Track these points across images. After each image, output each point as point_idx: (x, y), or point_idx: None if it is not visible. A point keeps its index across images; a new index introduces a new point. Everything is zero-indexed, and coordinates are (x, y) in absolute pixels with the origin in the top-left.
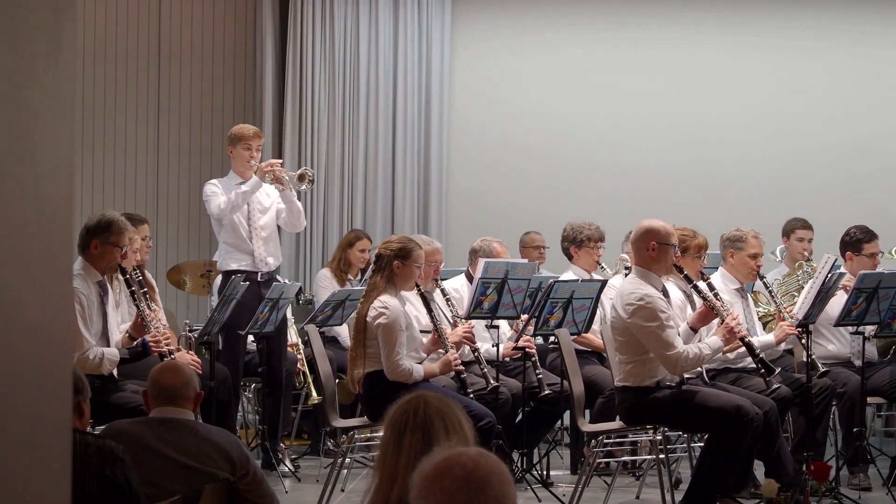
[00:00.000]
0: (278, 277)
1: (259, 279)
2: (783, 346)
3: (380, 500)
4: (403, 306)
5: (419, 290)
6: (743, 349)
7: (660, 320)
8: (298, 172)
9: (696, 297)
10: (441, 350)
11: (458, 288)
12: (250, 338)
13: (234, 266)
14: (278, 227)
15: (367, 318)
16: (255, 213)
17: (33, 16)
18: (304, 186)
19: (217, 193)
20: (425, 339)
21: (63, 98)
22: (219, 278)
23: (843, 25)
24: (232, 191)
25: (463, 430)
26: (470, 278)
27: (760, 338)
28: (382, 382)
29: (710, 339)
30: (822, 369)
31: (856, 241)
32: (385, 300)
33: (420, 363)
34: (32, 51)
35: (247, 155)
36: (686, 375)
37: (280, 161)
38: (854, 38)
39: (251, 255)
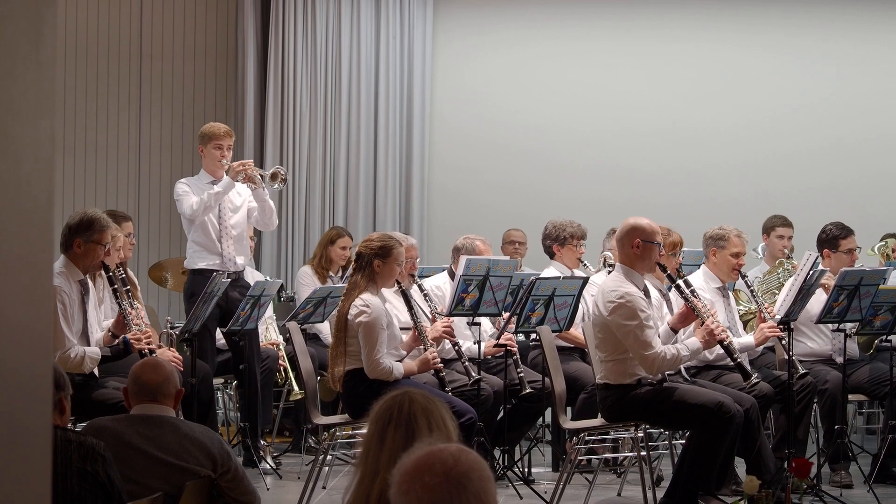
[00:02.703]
0: (250, 276)
1: (226, 278)
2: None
3: (361, 496)
4: (384, 304)
5: (400, 287)
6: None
7: (639, 319)
8: (271, 171)
9: (672, 296)
10: (421, 347)
11: (441, 285)
12: (220, 336)
13: (201, 265)
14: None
15: (349, 317)
16: (226, 212)
17: (13, 11)
18: (276, 185)
19: (189, 193)
20: (406, 336)
21: (43, 94)
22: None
23: (825, 30)
24: (203, 190)
25: (447, 428)
26: (452, 276)
27: (741, 339)
28: (363, 380)
29: (689, 340)
30: (801, 371)
31: (832, 238)
32: (366, 299)
33: (400, 361)
34: (12, 46)
35: (217, 154)
36: (667, 373)
37: (251, 161)
38: (835, 44)
39: (220, 255)
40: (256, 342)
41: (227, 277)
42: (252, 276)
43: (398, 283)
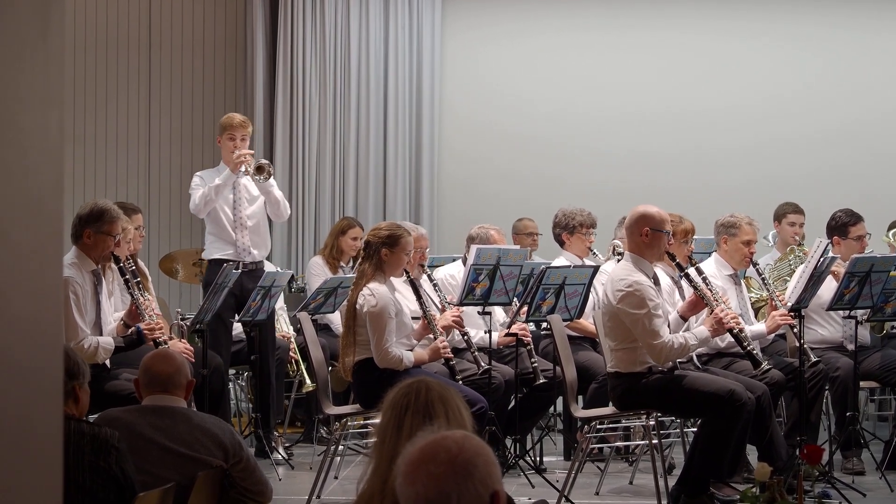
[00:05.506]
0: (266, 267)
1: (242, 269)
2: None
3: (378, 483)
4: (393, 293)
5: (408, 276)
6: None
7: (647, 308)
8: (256, 164)
9: (684, 283)
10: (431, 336)
11: (454, 274)
12: (237, 327)
13: (217, 255)
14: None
15: (357, 307)
16: (242, 202)
17: (20, 1)
18: (260, 178)
19: (199, 187)
20: (416, 325)
21: (51, 84)
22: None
23: (832, 12)
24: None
25: (462, 418)
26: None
27: (752, 328)
28: (374, 370)
29: (698, 329)
30: (814, 359)
31: (842, 225)
32: (373, 288)
33: (411, 350)
34: (20, 37)
35: (231, 145)
36: (678, 360)
37: (250, 152)
38: (843, 25)
39: (234, 245)
40: (272, 333)
41: (243, 268)
42: (265, 267)
43: (406, 272)
